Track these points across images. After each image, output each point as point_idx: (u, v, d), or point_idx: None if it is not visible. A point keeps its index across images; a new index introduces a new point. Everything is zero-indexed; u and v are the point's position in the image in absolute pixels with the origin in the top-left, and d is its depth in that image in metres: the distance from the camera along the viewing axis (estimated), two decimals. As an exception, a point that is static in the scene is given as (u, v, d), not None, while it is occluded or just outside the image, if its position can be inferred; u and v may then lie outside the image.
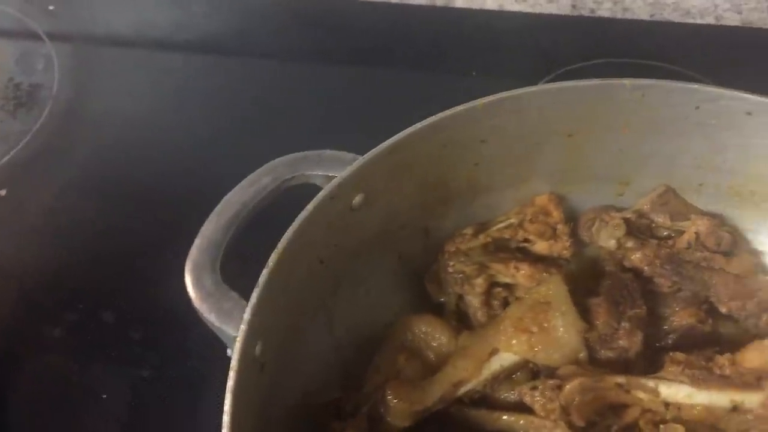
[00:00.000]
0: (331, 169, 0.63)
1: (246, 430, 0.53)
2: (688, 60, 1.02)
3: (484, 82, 1.03)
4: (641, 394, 0.63)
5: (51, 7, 1.16)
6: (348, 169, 0.61)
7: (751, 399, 0.62)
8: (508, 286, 0.72)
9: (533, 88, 0.67)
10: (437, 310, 0.73)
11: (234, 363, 0.50)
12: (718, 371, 0.63)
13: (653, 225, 0.76)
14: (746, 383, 0.62)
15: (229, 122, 1.01)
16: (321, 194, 0.60)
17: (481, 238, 0.74)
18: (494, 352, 0.63)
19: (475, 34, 1.11)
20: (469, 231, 0.74)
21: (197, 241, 0.58)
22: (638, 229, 0.76)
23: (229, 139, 0.99)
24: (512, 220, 0.76)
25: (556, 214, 0.76)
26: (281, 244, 0.56)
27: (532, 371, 0.66)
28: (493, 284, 0.72)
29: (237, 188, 0.61)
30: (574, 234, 0.77)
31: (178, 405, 0.77)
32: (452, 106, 0.65)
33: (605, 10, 1.13)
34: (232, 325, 0.52)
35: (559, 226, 0.76)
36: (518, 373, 0.66)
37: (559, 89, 0.67)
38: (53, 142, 1.00)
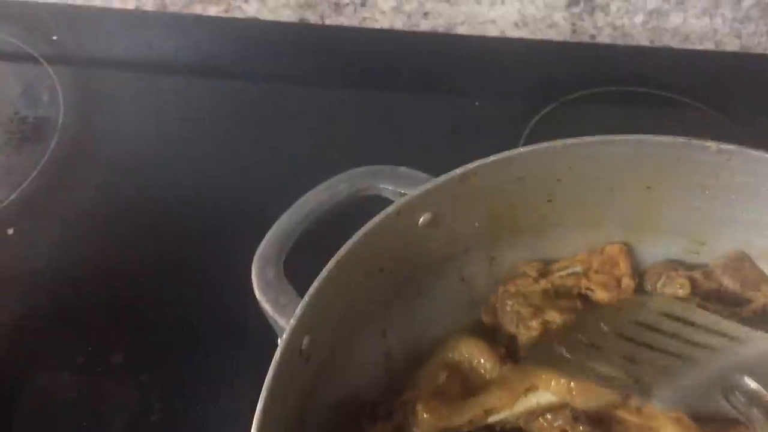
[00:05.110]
0: (403, 186, 0.66)
1: (280, 415, 0.58)
2: (687, 86, 1.02)
3: (485, 108, 1.04)
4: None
5: (54, 37, 1.13)
6: (418, 189, 0.64)
7: None
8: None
9: (612, 137, 0.68)
10: (489, 336, 0.75)
11: (277, 354, 0.53)
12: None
13: (721, 289, 0.75)
14: None
15: (237, 149, 1.00)
16: (390, 208, 0.63)
17: (543, 284, 0.75)
18: (533, 388, 0.65)
19: (476, 61, 1.12)
20: (532, 273, 0.76)
21: (268, 234, 0.62)
22: (705, 292, 0.75)
23: (240, 166, 0.98)
24: (577, 269, 0.76)
25: (624, 267, 0.76)
26: (343, 250, 0.59)
27: (573, 415, 0.66)
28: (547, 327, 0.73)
29: (314, 191, 0.65)
30: (638, 289, 0.76)
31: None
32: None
33: (605, 36, 1.12)
34: (285, 319, 0.56)
35: (625, 280, 0.76)
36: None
37: (639, 141, 0.68)
38: (60, 177, 0.96)
